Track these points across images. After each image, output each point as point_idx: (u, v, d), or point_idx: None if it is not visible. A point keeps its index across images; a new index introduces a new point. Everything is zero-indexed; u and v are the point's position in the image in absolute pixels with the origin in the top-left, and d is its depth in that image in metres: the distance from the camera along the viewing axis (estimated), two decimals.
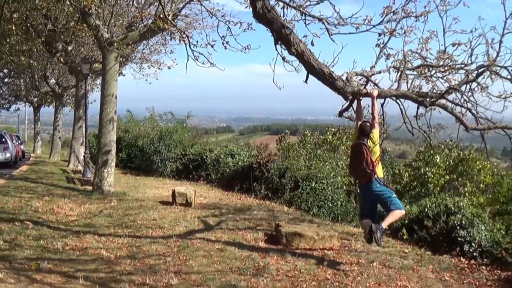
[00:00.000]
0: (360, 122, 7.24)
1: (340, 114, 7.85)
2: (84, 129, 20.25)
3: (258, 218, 11.11)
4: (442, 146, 20.64)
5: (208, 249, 7.96)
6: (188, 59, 7.80)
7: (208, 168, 17.90)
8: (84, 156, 18.74)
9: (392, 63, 7.96)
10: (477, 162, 19.36)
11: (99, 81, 24.19)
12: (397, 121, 8.77)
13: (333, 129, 24.28)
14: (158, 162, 19.57)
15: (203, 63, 8.02)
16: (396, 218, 7.23)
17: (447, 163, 19.81)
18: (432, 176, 19.07)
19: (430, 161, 19.96)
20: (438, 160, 19.63)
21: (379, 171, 6.98)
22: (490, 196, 18.67)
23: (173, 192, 12.29)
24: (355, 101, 7.45)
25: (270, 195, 14.74)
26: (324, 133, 24.86)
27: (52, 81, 30.07)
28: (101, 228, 9.19)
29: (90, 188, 14.19)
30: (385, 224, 6.89)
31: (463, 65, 7.46)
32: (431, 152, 20.09)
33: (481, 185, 19.21)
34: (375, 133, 6.98)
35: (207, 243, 8.40)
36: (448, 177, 19.22)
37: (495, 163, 23.30)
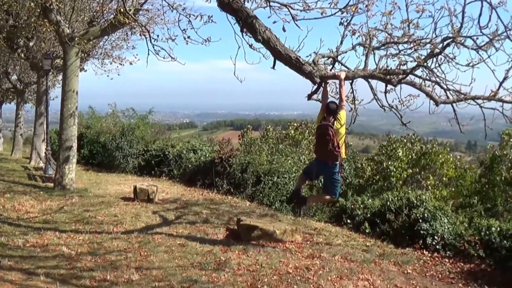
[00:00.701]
0: (326, 102, 7.30)
1: (309, 97, 7.85)
2: (45, 126, 19.74)
3: (220, 213, 11.12)
4: (405, 140, 20.78)
5: (169, 245, 7.92)
6: (149, 54, 7.75)
7: (170, 163, 17.75)
8: (45, 153, 18.30)
9: (357, 38, 8.00)
10: (440, 156, 19.38)
11: (60, 77, 23.59)
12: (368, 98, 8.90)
13: (295, 124, 24.39)
14: (120, 158, 19.31)
15: (164, 58, 7.97)
16: (323, 201, 8.01)
17: (410, 157, 19.76)
18: (394, 170, 19.00)
19: (392, 155, 20.01)
20: (400, 154, 19.60)
21: (343, 152, 7.12)
22: (453, 189, 18.81)
23: (135, 188, 12.17)
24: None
25: (232, 190, 14.73)
26: (286, 127, 24.94)
27: (14, 77, 29.17)
28: (62, 225, 9.01)
29: (52, 185, 13.88)
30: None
31: (428, 39, 7.43)
32: (394, 146, 20.28)
33: (444, 178, 19.20)
34: (342, 114, 7.02)
35: (169, 238, 8.36)
36: (410, 170, 19.18)
37: (459, 157, 23.58)
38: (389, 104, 8.21)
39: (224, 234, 9.00)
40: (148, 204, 11.64)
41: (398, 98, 8.11)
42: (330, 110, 7.06)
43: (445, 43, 7.26)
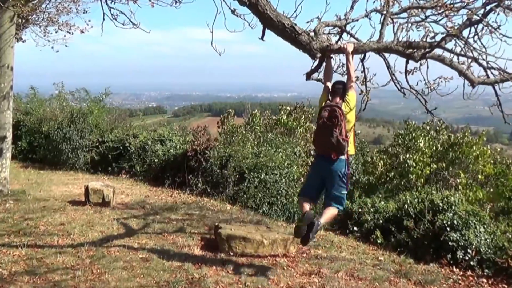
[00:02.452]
0: (328, 83, 7.19)
1: (308, 76, 7.73)
2: None
3: (194, 219, 11.07)
4: (428, 128, 20.60)
5: (130, 259, 7.83)
6: (104, 19, 7.57)
7: (132, 158, 17.65)
8: None
9: (374, 3, 7.83)
10: (474, 148, 18.88)
11: None
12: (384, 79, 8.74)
13: (288, 108, 24.36)
14: (68, 152, 19.12)
15: (123, 24, 7.78)
16: (332, 218, 7.31)
17: (434, 148, 19.43)
18: (414, 164, 18.51)
19: (412, 146, 19.75)
20: (422, 145, 19.21)
21: (351, 147, 6.92)
22: (491, 190, 18.15)
23: (86, 188, 12.04)
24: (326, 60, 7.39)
25: (209, 191, 14.73)
26: (277, 112, 24.91)
27: None
28: None
29: None
30: (323, 221, 6.89)
31: (464, 2, 7.09)
32: (413, 135, 20.08)
33: (480, 176, 18.72)
34: (351, 96, 6.87)
35: (128, 251, 8.27)
36: (435, 166, 18.70)
37: (499, 149, 23.03)
38: (410, 87, 8.12)
39: (198, 245, 8.93)
40: (103, 208, 11.53)
41: (424, 79, 7.99)
42: (336, 91, 6.94)
43: (488, 7, 6.92)
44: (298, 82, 8.55)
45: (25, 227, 9.59)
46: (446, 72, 7.87)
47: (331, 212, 6.91)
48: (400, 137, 20.87)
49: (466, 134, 19.67)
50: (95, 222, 10.17)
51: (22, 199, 12.43)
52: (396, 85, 8.17)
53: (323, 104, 6.95)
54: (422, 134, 20.01)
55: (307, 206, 6.96)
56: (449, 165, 19.09)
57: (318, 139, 7.01)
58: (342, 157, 6.77)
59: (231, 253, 8.35)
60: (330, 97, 6.98)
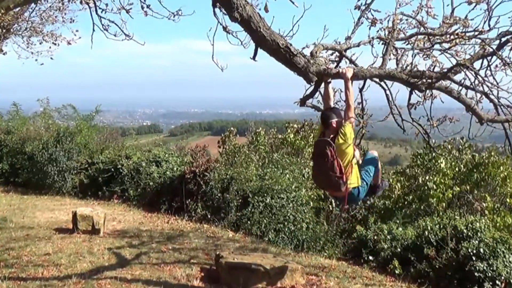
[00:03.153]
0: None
1: (303, 102, 7.76)
2: None
3: (193, 248, 11.07)
4: (449, 146, 20.54)
5: None
6: (94, 30, 7.60)
7: (124, 181, 17.62)
8: None
9: (377, 32, 7.82)
10: (501, 168, 18.48)
11: None
12: (384, 113, 8.71)
13: (295, 126, 24.35)
14: (54, 175, 19.10)
15: (115, 35, 7.81)
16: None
17: (457, 169, 19.30)
18: (434, 187, 18.36)
19: (432, 167, 19.70)
20: (443, 165, 19.12)
21: (355, 178, 6.86)
22: None
23: (74, 215, 12.04)
24: (323, 85, 7.39)
25: (209, 216, 14.67)
26: (283, 131, 24.92)
27: None
28: None
29: None
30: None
31: (477, 32, 6.97)
32: (433, 155, 19.96)
33: (508, 199, 18.12)
34: (348, 129, 6.76)
35: (121, 283, 8.28)
36: (458, 188, 18.40)
37: None
38: (413, 120, 8.13)
39: (198, 276, 8.93)
40: (93, 237, 11.53)
41: (427, 115, 8.01)
42: (323, 121, 6.93)
43: (503, 39, 6.70)
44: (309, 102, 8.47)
45: (6, 258, 9.58)
46: (449, 108, 7.92)
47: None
48: (419, 157, 20.70)
49: (492, 153, 19.27)
50: (84, 252, 10.15)
51: (3, 226, 12.44)
52: (394, 118, 8.18)
53: (318, 138, 7.06)
54: (444, 154, 19.87)
55: None
56: (474, 188, 18.81)
57: (314, 176, 7.26)
58: (345, 189, 6.78)
59: (234, 285, 8.33)
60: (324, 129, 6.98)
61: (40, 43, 20.96)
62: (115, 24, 7.69)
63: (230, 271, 8.51)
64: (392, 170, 23.65)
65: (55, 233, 11.81)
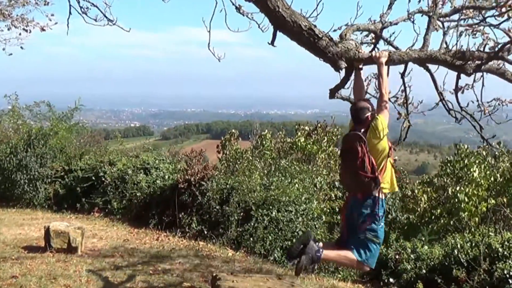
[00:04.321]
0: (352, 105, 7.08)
1: (333, 93, 7.67)
2: None
3: (186, 269, 11.06)
4: (484, 153, 20.44)
5: None
6: (70, 12, 7.59)
7: (107, 191, 17.63)
8: None
9: (419, 2, 7.67)
10: None
11: None
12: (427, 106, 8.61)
13: (307, 128, 24.37)
14: (24, 184, 19.07)
15: (95, 20, 7.78)
16: (346, 263, 7.00)
17: (492, 179, 19.24)
18: (466, 199, 18.26)
19: (463, 176, 19.65)
20: (476, 175, 19.03)
21: (389, 183, 6.77)
22: None
23: (47, 230, 11.98)
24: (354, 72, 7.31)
25: (205, 232, 14.66)
26: (293, 134, 24.94)
27: None
28: None
29: None
30: (326, 256, 6.56)
31: None
32: (465, 162, 19.88)
33: None
34: (381, 121, 6.64)
35: None
36: (493, 201, 18.34)
37: None
38: (462, 108, 8.05)
39: None
40: (69, 256, 11.48)
41: (478, 100, 7.88)
42: (354, 116, 6.84)
43: None
44: (320, 94, 8.35)
45: None
46: (504, 91, 7.84)
47: (345, 253, 6.69)
48: (449, 165, 20.71)
49: None
50: (58, 274, 10.08)
51: None
52: (445, 107, 8.07)
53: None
54: (477, 161, 19.81)
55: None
56: None
57: (342, 175, 7.19)
58: (371, 196, 6.62)
59: None
60: (354, 122, 6.90)
61: (8, 29, 20.88)
62: (97, 7, 7.65)
63: None
64: (418, 180, 23.66)
65: (24, 252, 11.77)
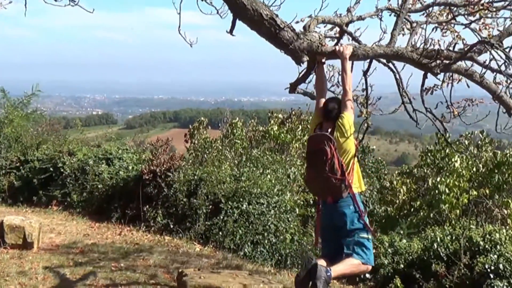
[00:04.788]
0: (322, 100, 7.17)
1: (293, 87, 7.72)
2: None
3: (151, 265, 11.04)
4: (466, 142, 20.54)
5: None
6: None
7: (66, 183, 17.50)
8: None
9: (387, 3, 7.74)
10: None
11: None
12: (394, 103, 8.67)
13: (280, 116, 24.40)
14: None
15: (55, 0, 7.67)
16: (354, 270, 6.95)
17: (474, 169, 19.33)
18: (447, 191, 18.37)
19: (444, 167, 19.74)
20: (458, 165, 19.12)
21: (357, 182, 6.81)
22: None
23: (1, 225, 11.88)
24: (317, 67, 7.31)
25: (172, 227, 14.67)
26: (266, 122, 24.97)
27: None
28: None
29: None
30: (335, 272, 6.57)
31: (508, 2, 7.03)
32: (447, 152, 19.94)
33: None
34: (347, 119, 6.74)
35: None
36: (475, 192, 18.54)
37: None
38: (427, 110, 8.05)
39: None
40: (24, 252, 11.39)
41: (446, 101, 7.88)
42: (327, 114, 6.90)
43: None
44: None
45: None
46: (468, 96, 7.87)
47: (348, 262, 6.71)
48: (430, 154, 20.79)
49: None
50: (12, 272, 9.99)
51: None
52: (406, 109, 8.09)
53: (314, 130, 7.02)
54: (459, 151, 19.91)
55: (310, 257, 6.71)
56: (495, 192, 18.96)
57: (308, 178, 7.12)
58: (345, 196, 6.66)
59: None
60: (322, 120, 6.96)
61: None
62: None
63: None
64: (397, 171, 23.77)
65: None
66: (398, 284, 10.68)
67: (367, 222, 6.82)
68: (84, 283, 9.58)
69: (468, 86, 7.59)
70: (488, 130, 22.99)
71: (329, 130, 6.72)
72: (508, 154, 19.08)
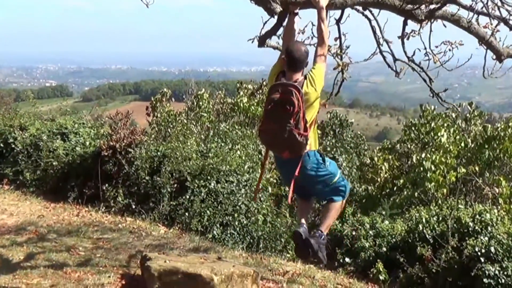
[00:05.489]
0: (288, 45, 6.97)
1: (262, 40, 7.70)
2: None
3: (111, 248, 11.05)
4: (454, 115, 20.47)
5: None
6: None
7: (18, 160, 17.38)
8: None
9: None
10: None
11: None
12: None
13: (250, 86, 24.40)
14: None
15: None
16: (340, 212, 7.20)
17: (463, 144, 19.26)
18: (433, 168, 18.35)
19: (430, 142, 19.72)
20: (444, 140, 19.11)
21: (313, 140, 6.77)
22: None
23: None
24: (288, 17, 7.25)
25: (133, 207, 14.71)
26: (235, 94, 24.97)
27: None
28: None
29: None
30: (325, 229, 6.81)
31: None
32: (432, 125, 19.86)
33: None
34: (318, 71, 6.66)
35: None
36: (463, 169, 18.52)
37: None
38: (409, 59, 8.05)
39: (117, 285, 8.91)
40: None
41: (425, 48, 7.94)
42: (294, 60, 6.67)
43: None
44: (267, 49, 8.29)
45: None
46: (454, 35, 7.90)
47: (331, 207, 6.90)
48: (414, 128, 20.75)
49: (511, 124, 19.55)
50: None
51: None
52: (384, 58, 8.10)
53: (274, 79, 6.82)
54: (445, 125, 19.85)
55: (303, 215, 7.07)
56: (485, 169, 18.95)
57: (265, 130, 6.84)
58: (305, 154, 6.66)
59: None
60: (286, 69, 6.75)
61: None
62: None
63: (159, 279, 8.47)
64: (378, 146, 23.78)
65: None
66: (381, 269, 10.73)
67: (330, 167, 6.87)
68: (38, 265, 9.56)
69: (445, 26, 7.56)
70: (478, 102, 23.10)
71: (297, 80, 6.57)
72: (500, 128, 19.05)
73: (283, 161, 6.86)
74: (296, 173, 6.55)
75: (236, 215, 14.44)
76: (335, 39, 8.32)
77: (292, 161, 6.67)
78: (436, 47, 7.88)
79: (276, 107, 6.50)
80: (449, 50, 7.84)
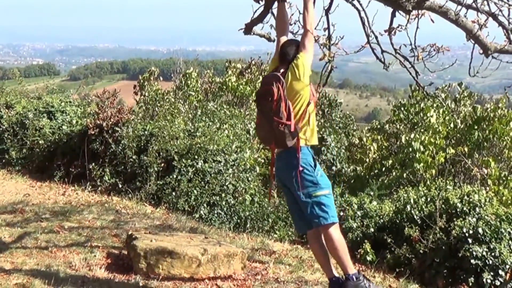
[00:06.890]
0: (282, 39, 7.10)
1: (248, 28, 7.71)
2: None
3: (97, 227, 11.02)
4: (443, 95, 20.42)
5: None
6: None
7: (4, 138, 17.36)
8: None
9: None
10: (511, 124, 18.70)
11: None
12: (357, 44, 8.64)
13: (239, 66, 24.35)
14: None
15: None
16: (341, 244, 6.83)
17: (452, 125, 19.20)
18: (422, 149, 18.20)
19: (419, 122, 19.66)
20: (434, 120, 18.98)
21: (308, 133, 6.67)
22: None
23: None
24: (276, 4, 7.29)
25: (120, 186, 14.69)
26: (223, 73, 24.94)
27: None
28: None
29: None
30: (345, 268, 6.68)
31: None
32: (421, 106, 19.82)
33: None
34: (302, 59, 6.62)
35: None
36: (452, 150, 18.51)
37: None
38: (396, 51, 8.03)
39: (103, 264, 8.88)
40: None
41: (411, 43, 7.91)
42: (283, 55, 6.80)
43: None
44: (258, 29, 8.30)
45: None
46: (440, 37, 7.87)
47: (325, 240, 6.85)
48: (403, 109, 20.67)
49: (501, 105, 19.49)
50: None
51: None
52: (372, 49, 8.06)
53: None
54: (435, 105, 19.83)
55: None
56: (474, 150, 18.90)
57: (258, 125, 7.06)
58: (290, 147, 6.51)
59: (152, 275, 8.32)
60: (279, 62, 6.84)
61: None
62: None
63: (145, 257, 8.45)
64: (367, 127, 23.73)
65: None
66: (368, 249, 10.73)
67: (320, 177, 6.63)
68: (24, 245, 9.51)
69: (433, 22, 7.54)
70: (468, 83, 23.03)
71: (282, 71, 6.59)
72: (489, 109, 19.01)
73: (276, 157, 6.83)
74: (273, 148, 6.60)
75: (223, 195, 14.44)
76: (324, 29, 8.27)
77: (282, 156, 6.69)
78: (423, 50, 7.86)
79: (259, 99, 6.68)
80: (434, 51, 7.82)
